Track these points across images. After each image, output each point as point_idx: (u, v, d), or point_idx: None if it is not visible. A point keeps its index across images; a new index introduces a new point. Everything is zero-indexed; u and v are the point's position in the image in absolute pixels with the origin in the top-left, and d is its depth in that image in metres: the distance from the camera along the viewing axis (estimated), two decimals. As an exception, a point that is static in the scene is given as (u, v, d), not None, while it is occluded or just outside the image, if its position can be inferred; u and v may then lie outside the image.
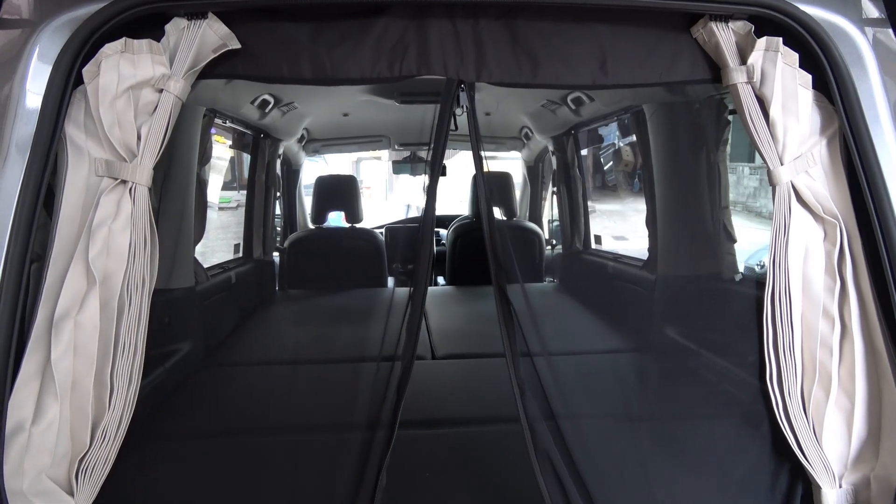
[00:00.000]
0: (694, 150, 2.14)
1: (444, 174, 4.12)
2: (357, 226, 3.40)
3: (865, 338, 1.11)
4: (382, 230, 4.17)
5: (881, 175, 1.07)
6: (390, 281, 3.90)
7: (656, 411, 1.70)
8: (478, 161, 1.24)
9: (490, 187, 3.73)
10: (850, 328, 1.11)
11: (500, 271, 1.27)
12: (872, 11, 1.14)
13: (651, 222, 2.42)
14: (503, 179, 3.76)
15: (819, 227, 1.13)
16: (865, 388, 1.11)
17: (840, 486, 1.12)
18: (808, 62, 1.11)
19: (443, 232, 4.31)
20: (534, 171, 4.20)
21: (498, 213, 3.89)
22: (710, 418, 1.55)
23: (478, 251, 3.41)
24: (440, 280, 4.01)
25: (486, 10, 1.11)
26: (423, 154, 4.10)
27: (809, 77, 1.11)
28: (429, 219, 1.30)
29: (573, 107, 2.75)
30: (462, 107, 1.15)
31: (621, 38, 1.15)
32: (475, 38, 1.12)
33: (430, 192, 1.23)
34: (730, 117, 1.99)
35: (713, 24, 1.12)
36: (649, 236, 2.44)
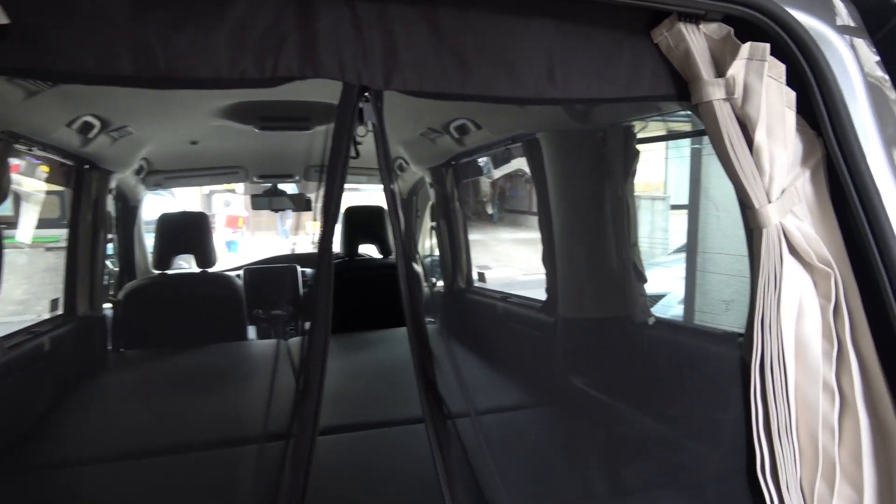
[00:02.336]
0: (597, 183, 1.95)
1: (308, 208, 3.73)
2: (210, 270, 2.91)
3: (870, 411, 0.90)
4: (240, 272, 3.68)
5: (885, 213, 0.87)
6: (251, 331, 3.42)
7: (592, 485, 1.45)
8: (388, 191, 0.91)
9: (362, 222, 3.41)
10: (851, 401, 0.91)
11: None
12: (845, 17, 0.97)
13: (549, 260, 2.21)
14: (377, 214, 3.44)
15: (809, 278, 0.92)
16: (874, 474, 0.90)
17: None
18: (790, 77, 0.91)
19: (310, 272, 3.90)
20: (408, 205, 3.92)
21: (373, 250, 3.56)
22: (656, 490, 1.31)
23: (353, 294, 3.04)
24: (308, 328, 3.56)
25: (398, -11, 0.79)
26: (284, 187, 3.67)
27: (794, 95, 0.90)
28: (324, 264, 0.94)
29: (456, 135, 2.51)
30: (366, 124, 0.82)
31: (573, 41, 0.88)
32: (384, 30, 0.79)
33: (325, 238, 0.88)
34: (638, 147, 1.82)
35: (682, 26, 0.89)
36: (547, 275, 2.23)
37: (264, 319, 3.55)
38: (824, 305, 0.91)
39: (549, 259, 2.19)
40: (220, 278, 2.95)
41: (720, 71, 0.89)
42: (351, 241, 3.29)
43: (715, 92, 0.88)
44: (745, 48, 0.87)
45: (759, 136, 0.88)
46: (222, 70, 0.74)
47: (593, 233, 2.00)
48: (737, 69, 0.87)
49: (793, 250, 0.91)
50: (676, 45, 0.90)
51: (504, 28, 0.84)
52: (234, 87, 0.76)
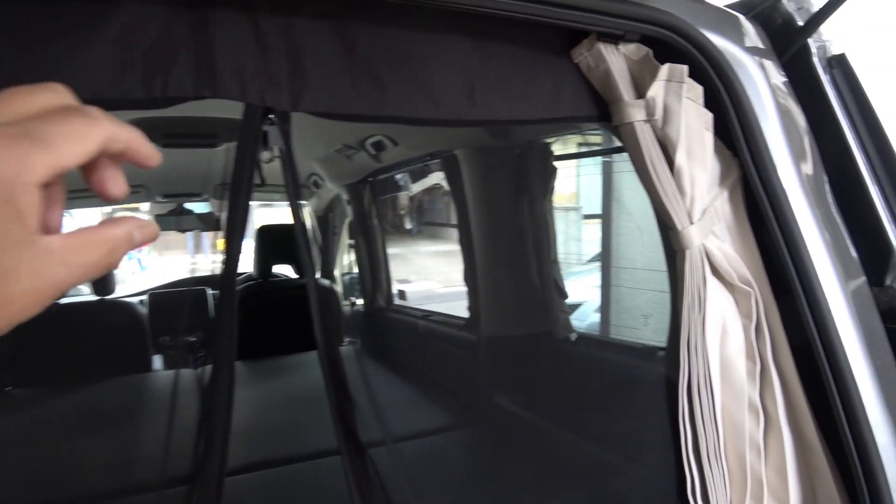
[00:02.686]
0: (517, 200, 1.94)
1: (218, 228, 3.56)
2: (108, 298, 2.70)
3: (792, 427, 0.91)
4: (145, 297, 3.46)
5: (799, 231, 0.89)
6: (158, 360, 3.22)
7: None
8: (295, 212, 0.84)
9: (277, 242, 3.28)
10: (774, 418, 0.91)
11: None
12: (754, 38, 0.99)
13: (470, 277, 2.18)
14: (292, 233, 3.31)
15: (731, 297, 0.93)
16: (798, 489, 0.91)
17: None
18: (707, 99, 0.91)
19: None
20: (324, 222, 3.82)
21: (289, 270, 3.43)
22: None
23: (270, 318, 2.90)
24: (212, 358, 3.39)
25: (304, 1, 0.73)
26: (191, 206, 3.49)
27: (711, 117, 0.91)
28: (227, 293, 0.86)
29: (373, 152, 2.45)
30: (271, 150, 0.75)
31: (493, 61, 0.84)
32: (290, 46, 0.73)
33: (228, 265, 0.80)
34: (556, 164, 1.83)
35: (601, 46, 0.87)
36: (469, 293, 2.20)
37: (172, 347, 3.35)
38: (746, 325, 0.92)
39: (470, 277, 2.16)
40: (120, 306, 2.75)
41: (640, 92, 0.89)
42: (265, 262, 3.16)
43: (635, 113, 0.87)
44: (664, 70, 0.86)
45: (680, 158, 0.87)
46: (103, 89, 0.65)
47: (514, 250, 1.99)
48: (656, 90, 0.86)
49: (714, 271, 0.91)
50: (596, 65, 0.89)
51: (421, 47, 0.79)
52: (116, 108, 0.67)
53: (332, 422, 0.87)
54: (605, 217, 4.24)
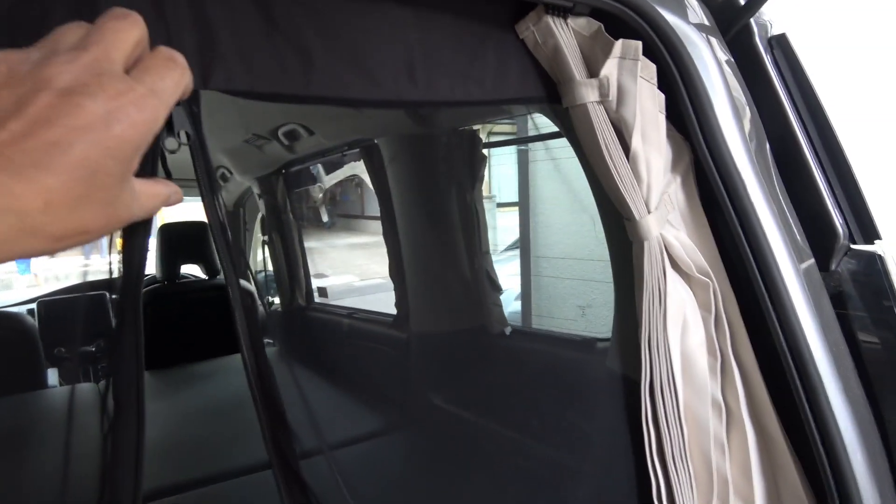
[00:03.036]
0: (444, 190, 1.86)
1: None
2: None
3: (754, 422, 0.88)
4: (33, 306, 3.15)
5: (756, 217, 0.85)
6: (52, 375, 2.93)
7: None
8: (210, 207, 0.71)
9: (182, 241, 3.05)
10: (737, 414, 0.87)
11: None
12: (700, 14, 0.94)
13: (397, 273, 2.08)
14: (198, 230, 3.09)
15: (689, 290, 0.88)
16: (762, 486, 0.88)
17: None
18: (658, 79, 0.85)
19: None
20: (234, 218, 3.59)
21: (197, 270, 3.21)
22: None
23: (178, 323, 2.68)
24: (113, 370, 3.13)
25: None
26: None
27: (663, 98, 0.85)
28: (131, 290, 0.72)
29: (286, 142, 2.29)
30: (177, 135, 0.62)
31: (435, 35, 0.74)
32: (198, 14, 0.60)
33: (129, 267, 0.66)
34: (485, 152, 1.75)
35: (549, 20, 0.79)
36: (397, 289, 2.10)
37: (68, 359, 3.07)
38: (706, 318, 0.87)
39: (396, 272, 2.06)
40: (4, 317, 2.46)
41: (591, 71, 0.81)
42: (170, 263, 2.93)
43: (588, 94, 0.80)
44: (618, 46, 0.79)
45: (636, 142, 0.81)
46: None
47: (443, 242, 1.90)
48: (610, 69, 0.79)
49: (672, 262, 0.86)
50: (544, 41, 0.81)
51: (355, 17, 0.68)
52: None
53: (260, 433, 0.75)
54: (522, 206, 4.24)
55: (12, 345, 2.37)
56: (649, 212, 0.83)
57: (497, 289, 1.82)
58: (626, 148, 0.82)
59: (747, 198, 0.85)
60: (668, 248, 0.85)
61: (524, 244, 4.10)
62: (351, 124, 2.05)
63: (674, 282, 0.85)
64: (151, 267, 3.08)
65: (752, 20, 0.98)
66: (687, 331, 0.86)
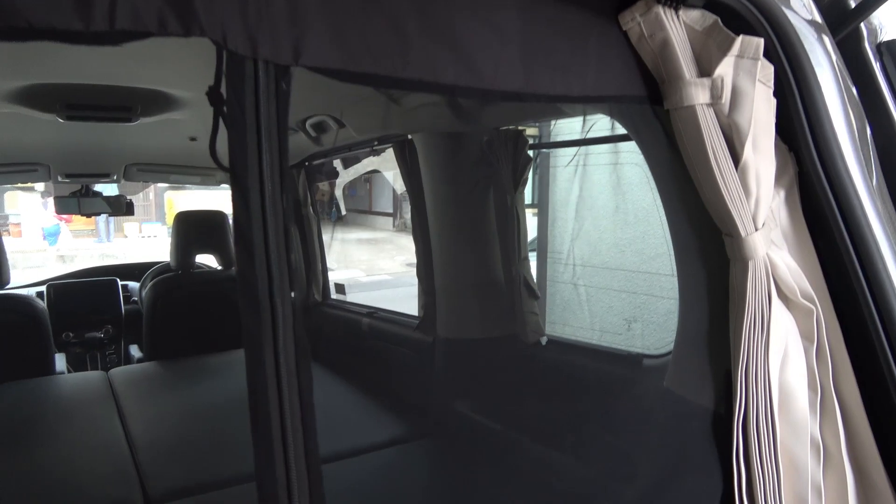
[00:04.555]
0: (483, 191, 1.78)
1: (128, 212, 3.21)
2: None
3: (855, 468, 0.79)
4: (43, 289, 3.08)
5: (873, 238, 0.76)
6: (59, 360, 2.85)
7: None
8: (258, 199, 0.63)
9: (198, 230, 2.97)
10: (836, 456, 0.79)
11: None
12: (815, 14, 0.85)
13: (425, 274, 2.00)
14: (216, 220, 3.00)
15: (790, 317, 0.80)
16: (859, 538, 0.80)
17: None
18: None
19: (132, 285, 3.36)
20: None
21: (213, 261, 3.13)
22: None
23: (188, 314, 2.59)
24: (133, 352, 3.07)
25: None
26: (99, 188, 3.12)
27: (775, 104, 0.76)
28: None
29: (313, 134, 2.21)
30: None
31: (537, 20, 0.66)
32: None
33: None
34: (531, 153, 1.67)
35: (660, 10, 0.71)
36: (424, 291, 2.02)
37: (77, 344, 2.99)
38: (807, 348, 0.79)
39: (425, 273, 1.98)
40: (12, 301, 2.39)
41: (703, 70, 0.73)
42: (185, 252, 2.85)
43: (698, 95, 0.72)
44: (738, 43, 0.71)
45: (748, 151, 0.73)
46: (24, 14, 0.42)
47: (478, 245, 1.82)
48: (725, 68, 0.71)
49: (777, 286, 0.78)
50: (651, 34, 0.73)
51: (456, -3, 0.60)
52: (31, 37, 0.43)
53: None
54: (542, 210, 4.14)
55: (22, 329, 2.30)
56: (756, 229, 0.75)
57: (534, 296, 1.73)
58: (735, 157, 0.74)
59: (863, 217, 0.76)
60: (773, 270, 0.76)
61: (542, 247, 4.00)
62: (385, 118, 1.97)
63: (778, 308, 0.76)
64: (165, 255, 3.01)
65: (861, 23, 0.90)
66: (787, 362, 0.78)
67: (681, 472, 0.96)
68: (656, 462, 1.08)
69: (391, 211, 11.36)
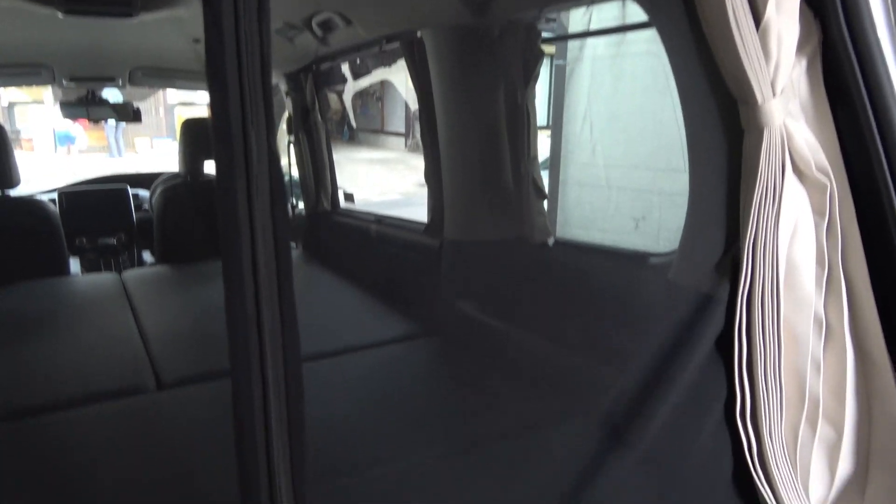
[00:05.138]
0: (493, 88, 1.72)
1: (135, 119, 3.18)
2: (12, 193, 2.34)
3: (857, 344, 0.79)
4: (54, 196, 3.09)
5: None
6: (74, 264, 2.90)
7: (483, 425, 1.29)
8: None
9: (204, 137, 2.93)
10: (838, 332, 0.79)
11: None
12: None
13: (433, 176, 1.98)
14: None
15: (803, 190, 0.77)
16: (854, 413, 0.80)
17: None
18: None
19: (143, 193, 3.37)
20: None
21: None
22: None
23: (196, 218, 2.60)
24: (146, 257, 3.11)
25: None
26: (106, 94, 3.07)
27: (803, -40, 0.72)
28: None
29: (320, 33, 2.14)
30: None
31: None
32: None
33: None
34: (544, 47, 1.61)
35: None
36: (431, 194, 2.00)
37: (91, 250, 3.03)
38: (818, 223, 0.77)
39: (433, 175, 1.95)
40: (26, 204, 2.40)
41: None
42: (193, 159, 2.83)
43: (720, -53, 0.67)
44: None
45: (770, 10, 0.69)
46: None
47: (487, 144, 1.78)
48: (751, -82, 0.66)
49: (793, 158, 0.75)
50: None
51: None
52: None
53: None
54: (556, 107, 4.06)
55: (37, 232, 2.32)
56: (774, 95, 0.72)
57: (542, 196, 1.71)
58: (756, 17, 0.70)
59: (890, 92, 0.73)
60: (789, 140, 0.74)
61: (555, 154, 3.95)
62: (393, 14, 1.90)
63: (791, 180, 0.74)
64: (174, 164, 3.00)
65: None
66: (796, 236, 0.76)
67: (680, 355, 0.97)
68: (657, 351, 1.09)
69: (403, 131, 11.20)
